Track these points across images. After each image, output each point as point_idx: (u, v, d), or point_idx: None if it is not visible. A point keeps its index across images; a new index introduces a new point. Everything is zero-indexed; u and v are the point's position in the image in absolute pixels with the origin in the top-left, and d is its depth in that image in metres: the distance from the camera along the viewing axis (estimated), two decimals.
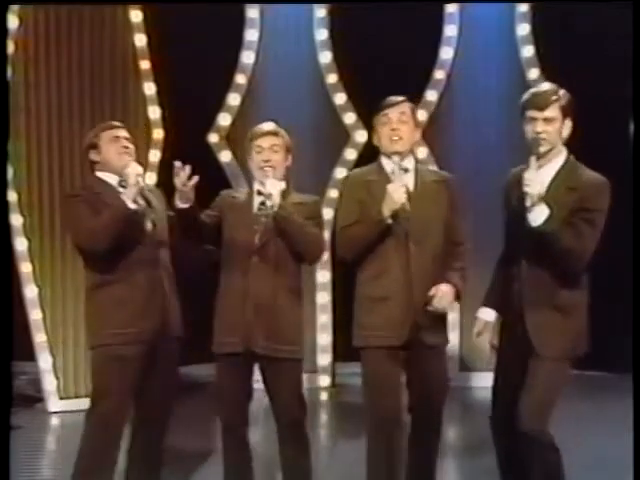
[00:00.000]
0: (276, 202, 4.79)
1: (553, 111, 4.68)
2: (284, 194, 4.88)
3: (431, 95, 8.41)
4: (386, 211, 4.74)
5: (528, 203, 4.58)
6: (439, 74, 8.51)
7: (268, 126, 5.00)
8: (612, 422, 6.73)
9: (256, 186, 4.93)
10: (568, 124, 4.74)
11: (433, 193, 4.90)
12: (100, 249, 4.82)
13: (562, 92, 4.75)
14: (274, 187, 4.82)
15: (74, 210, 4.92)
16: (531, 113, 4.69)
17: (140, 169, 4.95)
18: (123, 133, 5.05)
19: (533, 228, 4.59)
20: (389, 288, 4.81)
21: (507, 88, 8.16)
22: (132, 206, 4.85)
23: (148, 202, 5.03)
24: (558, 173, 4.72)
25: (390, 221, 4.76)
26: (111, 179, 4.97)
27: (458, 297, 4.87)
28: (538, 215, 4.58)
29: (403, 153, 4.89)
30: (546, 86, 4.83)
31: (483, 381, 7.83)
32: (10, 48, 7.36)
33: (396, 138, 4.87)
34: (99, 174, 5.01)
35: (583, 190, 4.67)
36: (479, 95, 8.29)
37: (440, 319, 4.90)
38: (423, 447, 4.98)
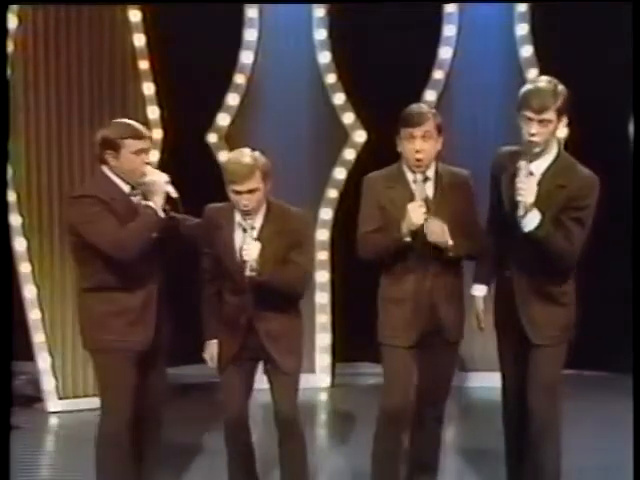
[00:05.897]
0: (254, 267, 4.77)
1: (549, 114, 4.68)
2: (266, 219, 4.86)
3: (430, 95, 8.39)
4: (405, 230, 4.80)
5: (521, 212, 4.69)
6: (438, 74, 8.48)
7: (242, 167, 4.79)
8: (612, 422, 6.73)
9: (238, 218, 4.89)
10: (564, 121, 4.77)
11: (452, 197, 4.95)
12: (128, 257, 4.83)
13: (560, 90, 4.74)
14: (252, 252, 4.77)
15: (90, 212, 4.86)
16: (527, 113, 4.69)
17: (167, 177, 4.94)
18: (147, 144, 4.98)
19: (525, 233, 4.72)
20: (407, 291, 4.91)
21: (506, 88, 8.15)
22: (163, 215, 4.89)
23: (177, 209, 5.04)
24: (548, 169, 4.80)
25: (409, 239, 4.82)
26: (124, 186, 4.95)
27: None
28: (530, 221, 4.71)
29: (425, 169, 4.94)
30: (544, 84, 4.77)
31: (483, 381, 7.84)
32: (10, 48, 7.35)
33: (419, 157, 4.87)
34: (114, 178, 4.95)
35: (572, 188, 4.77)
36: (478, 95, 8.27)
37: (458, 316, 5.00)
38: (427, 442, 5.04)
